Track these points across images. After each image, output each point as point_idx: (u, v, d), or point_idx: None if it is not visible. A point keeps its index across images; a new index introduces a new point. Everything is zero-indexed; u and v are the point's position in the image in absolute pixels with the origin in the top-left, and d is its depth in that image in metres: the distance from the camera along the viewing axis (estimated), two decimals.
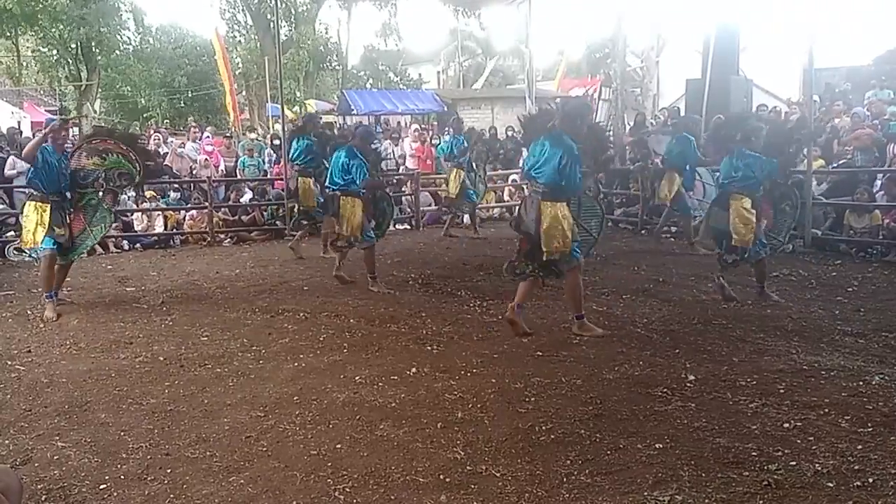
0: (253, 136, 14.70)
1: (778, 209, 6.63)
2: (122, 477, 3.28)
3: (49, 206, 6.29)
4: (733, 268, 6.45)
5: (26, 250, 6.68)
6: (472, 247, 9.78)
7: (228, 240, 10.57)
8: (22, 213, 6.66)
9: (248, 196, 11.29)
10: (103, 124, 25.73)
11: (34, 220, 6.28)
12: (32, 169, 6.33)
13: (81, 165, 6.59)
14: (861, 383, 4.28)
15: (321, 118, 11.74)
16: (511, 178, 13.00)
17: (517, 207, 5.77)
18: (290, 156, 9.24)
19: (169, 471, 3.32)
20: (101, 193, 6.73)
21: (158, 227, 10.60)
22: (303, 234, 9.32)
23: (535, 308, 6.19)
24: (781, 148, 6.56)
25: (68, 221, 6.44)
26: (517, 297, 5.42)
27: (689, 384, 4.30)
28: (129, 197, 10.46)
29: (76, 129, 20.09)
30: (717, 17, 11.95)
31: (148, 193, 10.49)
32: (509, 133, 15.35)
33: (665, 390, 4.19)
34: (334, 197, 7.19)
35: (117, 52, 28.06)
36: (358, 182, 6.95)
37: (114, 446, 3.59)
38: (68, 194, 6.47)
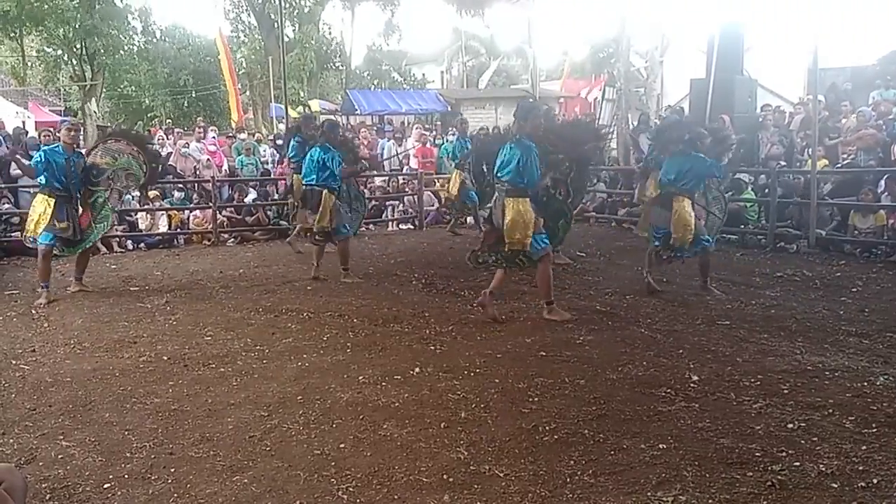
0: (243, 136, 14.64)
1: (709, 212, 6.90)
2: (126, 476, 3.28)
3: (54, 199, 6.66)
4: (667, 264, 6.89)
5: (28, 238, 6.98)
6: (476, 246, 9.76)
7: (232, 240, 10.58)
8: (31, 205, 7.08)
9: (251, 196, 11.30)
10: (108, 124, 25.76)
11: (38, 212, 6.69)
12: (41, 167, 6.66)
13: (95, 163, 6.97)
14: (865, 384, 4.27)
15: (316, 118, 11.61)
16: None
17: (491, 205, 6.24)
18: (287, 153, 9.37)
19: (173, 470, 3.33)
20: (108, 192, 7.05)
21: (162, 227, 10.61)
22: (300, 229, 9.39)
23: (538, 308, 6.19)
24: (721, 157, 6.95)
25: (73, 217, 6.73)
26: (492, 284, 5.88)
27: (692, 384, 4.30)
28: (132, 197, 10.51)
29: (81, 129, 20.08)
30: (722, 17, 11.97)
31: (151, 193, 10.50)
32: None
33: (669, 391, 4.19)
34: (313, 192, 7.41)
35: (122, 52, 28.11)
36: (336, 173, 7.35)
37: (118, 445, 3.60)
38: (79, 193, 6.81)
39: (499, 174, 5.77)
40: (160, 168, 7.65)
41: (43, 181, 6.67)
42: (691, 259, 6.76)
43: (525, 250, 5.66)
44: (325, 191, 7.35)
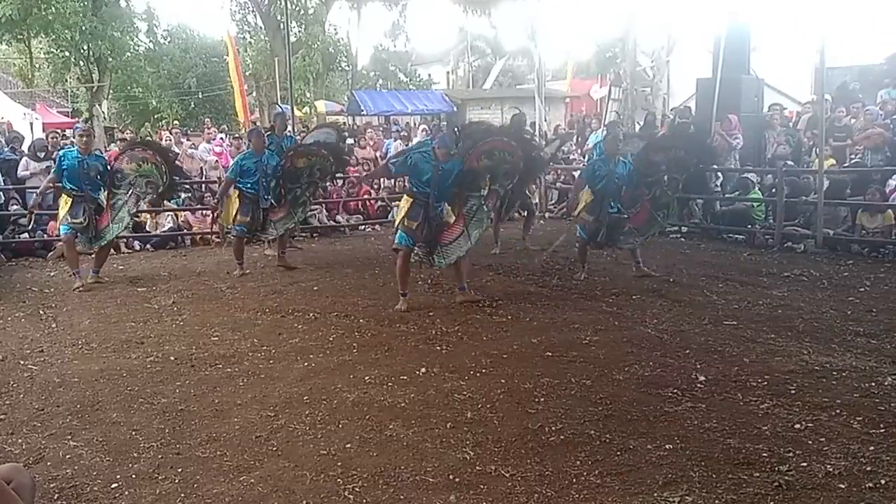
0: None
1: (652, 215, 7.30)
2: (134, 476, 3.30)
3: (71, 199, 7.21)
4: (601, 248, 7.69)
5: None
6: (481, 247, 9.75)
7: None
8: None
9: None
10: (115, 125, 25.84)
11: (60, 209, 7.34)
12: (58, 171, 7.26)
13: (121, 168, 7.50)
14: (873, 384, 4.26)
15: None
16: None
17: None
18: None
19: (180, 470, 3.34)
20: (128, 196, 7.53)
21: (167, 225, 10.61)
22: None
23: (544, 309, 6.20)
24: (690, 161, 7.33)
25: (90, 215, 7.26)
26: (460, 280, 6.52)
27: (699, 385, 4.29)
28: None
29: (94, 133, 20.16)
30: (728, 17, 11.89)
31: None
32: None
33: (675, 391, 4.18)
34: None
35: (129, 54, 28.19)
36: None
37: (125, 445, 3.61)
38: (100, 193, 7.35)
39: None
40: (180, 177, 8.32)
41: (61, 180, 7.24)
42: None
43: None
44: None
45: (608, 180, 7.12)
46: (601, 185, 7.15)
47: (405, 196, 6.43)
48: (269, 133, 8.83)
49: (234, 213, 7.98)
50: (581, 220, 7.38)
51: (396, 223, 6.45)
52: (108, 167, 7.46)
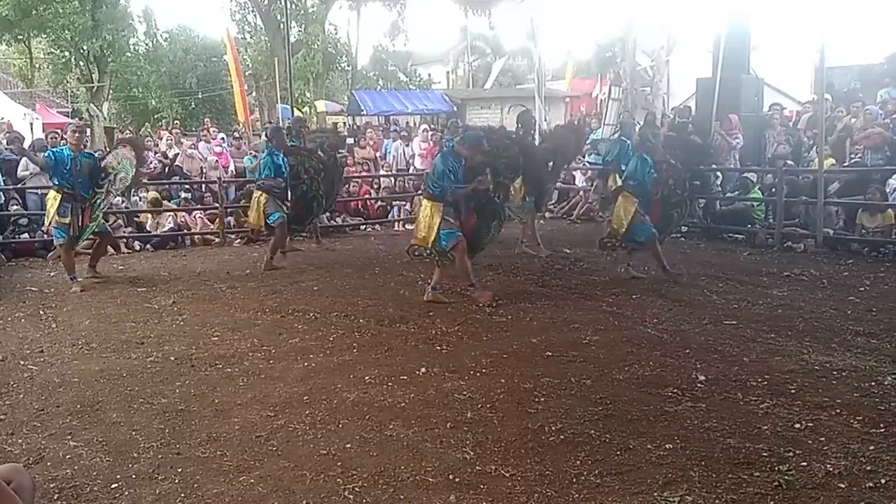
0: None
1: (667, 214, 7.43)
2: (133, 476, 3.30)
3: (60, 196, 7.19)
4: (610, 250, 7.73)
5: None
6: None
7: (239, 240, 10.59)
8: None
9: None
10: (115, 125, 25.85)
11: (49, 207, 7.31)
12: (51, 164, 7.25)
13: (105, 165, 7.50)
14: (873, 384, 4.26)
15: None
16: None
17: None
18: None
19: (180, 470, 3.34)
20: (105, 195, 7.52)
21: (168, 225, 10.62)
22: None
23: (544, 309, 6.20)
24: (690, 161, 7.60)
25: (76, 214, 7.24)
26: (433, 279, 6.55)
27: (699, 384, 4.29)
28: (140, 198, 10.60)
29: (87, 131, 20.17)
30: (728, 17, 11.89)
31: (153, 194, 10.60)
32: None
33: (675, 391, 4.18)
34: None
35: (128, 54, 28.21)
36: (262, 176, 8.25)
37: (125, 446, 3.61)
38: (86, 192, 7.28)
39: (426, 180, 6.81)
40: (143, 177, 8.52)
41: (52, 176, 7.26)
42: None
43: (436, 247, 6.34)
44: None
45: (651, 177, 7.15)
46: (644, 184, 7.15)
47: (430, 203, 6.37)
48: (287, 135, 8.93)
49: (263, 212, 8.19)
50: (641, 221, 7.15)
51: (431, 230, 6.32)
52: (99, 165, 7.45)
